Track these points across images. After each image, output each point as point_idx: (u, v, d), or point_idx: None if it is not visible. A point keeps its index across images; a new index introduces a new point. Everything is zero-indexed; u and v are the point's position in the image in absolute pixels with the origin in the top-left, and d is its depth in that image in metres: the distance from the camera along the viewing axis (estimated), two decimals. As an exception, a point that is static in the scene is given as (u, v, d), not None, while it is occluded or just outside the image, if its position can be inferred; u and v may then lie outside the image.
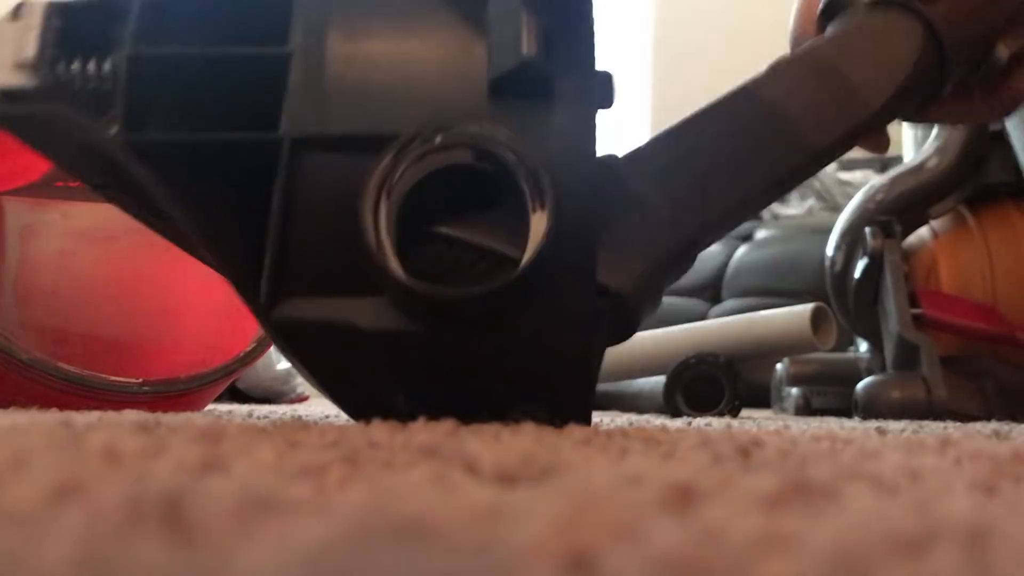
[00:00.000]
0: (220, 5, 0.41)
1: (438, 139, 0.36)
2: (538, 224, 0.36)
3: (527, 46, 0.36)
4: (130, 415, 0.49)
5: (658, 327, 1.23)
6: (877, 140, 0.51)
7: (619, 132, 3.55)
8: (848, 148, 0.47)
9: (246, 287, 0.38)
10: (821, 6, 0.48)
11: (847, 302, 1.11)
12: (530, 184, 0.36)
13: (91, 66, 0.41)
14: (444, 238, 0.37)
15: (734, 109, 0.44)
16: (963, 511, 0.18)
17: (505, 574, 0.12)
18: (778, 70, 0.45)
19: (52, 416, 0.44)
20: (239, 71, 0.39)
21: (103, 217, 0.83)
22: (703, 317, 2.03)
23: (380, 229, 0.36)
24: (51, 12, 0.41)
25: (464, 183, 0.37)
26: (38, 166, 0.75)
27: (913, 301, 1.02)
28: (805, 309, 1.08)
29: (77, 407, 0.59)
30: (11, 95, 0.40)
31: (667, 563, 0.12)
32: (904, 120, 0.52)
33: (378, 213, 0.36)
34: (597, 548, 0.13)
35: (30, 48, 0.41)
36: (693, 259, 0.44)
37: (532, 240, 0.36)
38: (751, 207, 0.45)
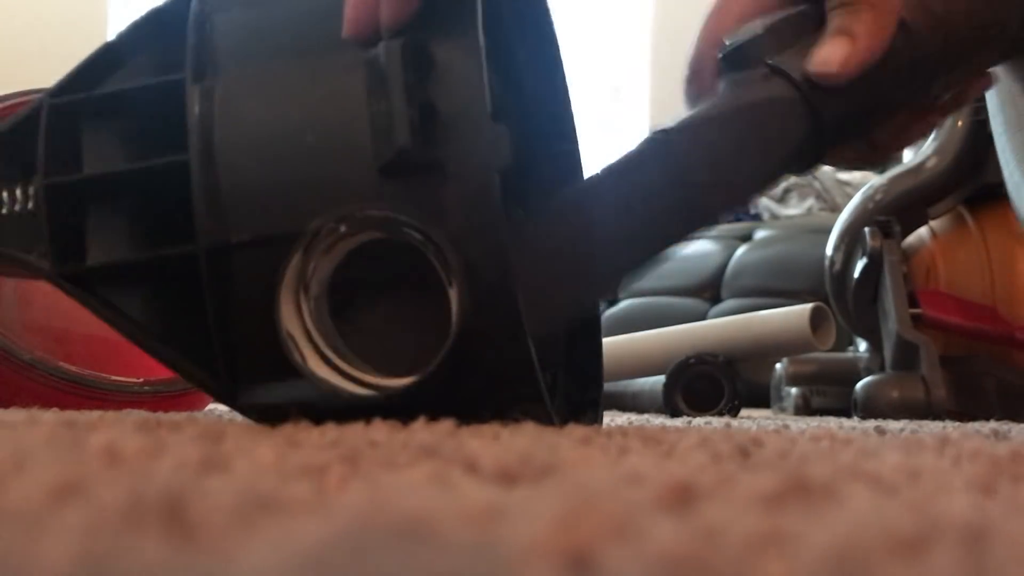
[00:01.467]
0: (129, 120, 0.42)
1: (343, 228, 0.36)
2: (455, 299, 0.36)
3: (401, 135, 0.36)
4: (131, 415, 0.49)
5: (658, 327, 1.23)
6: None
7: (619, 132, 3.55)
8: (721, 213, 0.51)
9: (203, 383, 0.40)
10: (721, 52, 0.47)
11: (846, 302, 1.11)
12: (440, 260, 0.36)
13: (17, 193, 0.43)
14: (373, 319, 0.38)
15: (643, 172, 0.45)
16: (962, 511, 0.18)
17: (505, 574, 0.12)
18: (647, 151, 0.45)
19: (53, 416, 0.44)
20: (149, 185, 0.40)
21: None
22: (703, 317, 2.03)
23: (304, 328, 0.37)
24: None
25: (381, 262, 0.37)
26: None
27: (912, 301, 1.02)
28: (804, 309, 1.08)
29: (78, 407, 0.59)
30: None
31: (666, 562, 0.12)
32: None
33: (301, 312, 0.37)
34: (596, 547, 0.13)
35: None
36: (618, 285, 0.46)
37: (455, 315, 0.36)
38: (656, 250, 0.46)
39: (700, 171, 0.45)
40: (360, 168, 0.37)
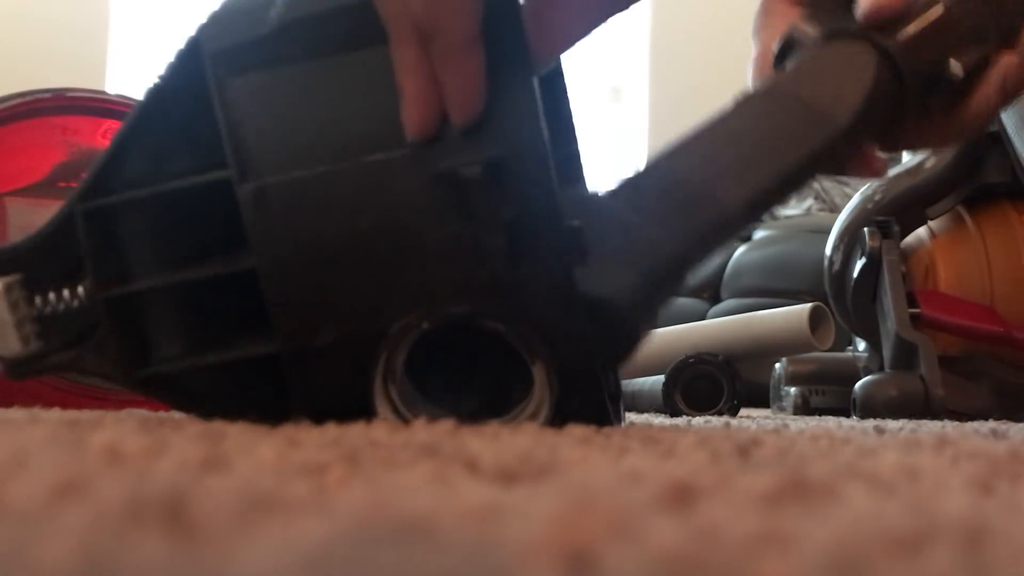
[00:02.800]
0: (170, 219, 0.41)
1: (425, 324, 0.38)
2: (541, 378, 0.38)
3: (495, 262, 0.37)
4: (132, 414, 0.49)
5: (658, 327, 1.23)
6: (868, 163, 0.50)
7: (619, 133, 3.55)
8: (818, 168, 0.49)
9: None
10: (776, 49, 0.49)
11: (845, 302, 1.11)
12: (522, 344, 0.37)
13: (65, 294, 0.43)
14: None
15: (705, 141, 0.46)
16: (960, 510, 0.18)
17: (505, 573, 0.12)
18: (742, 102, 0.47)
19: (54, 415, 0.44)
20: (209, 290, 0.41)
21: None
22: (702, 317, 2.03)
23: (395, 410, 0.39)
24: (10, 286, 0.43)
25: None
26: (41, 166, 0.75)
27: (911, 301, 1.02)
28: (803, 309, 1.08)
29: (78, 407, 0.59)
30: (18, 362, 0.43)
31: (666, 561, 0.12)
32: (875, 145, 0.52)
33: (391, 398, 0.39)
34: (596, 546, 0.13)
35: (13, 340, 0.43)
36: (684, 277, 0.45)
37: (539, 388, 0.38)
38: (732, 227, 0.46)
39: (777, 126, 0.46)
40: (443, 277, 0.38)
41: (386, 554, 0.13)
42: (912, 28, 0.48)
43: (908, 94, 0.48)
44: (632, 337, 0.42)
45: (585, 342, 0.38)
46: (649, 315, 0.44)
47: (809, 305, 1.09)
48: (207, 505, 0.15)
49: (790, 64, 0.49)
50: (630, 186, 0.45)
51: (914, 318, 1.00)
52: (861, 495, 0.20)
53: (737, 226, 0.47)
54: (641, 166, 0.46)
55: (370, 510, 0.16)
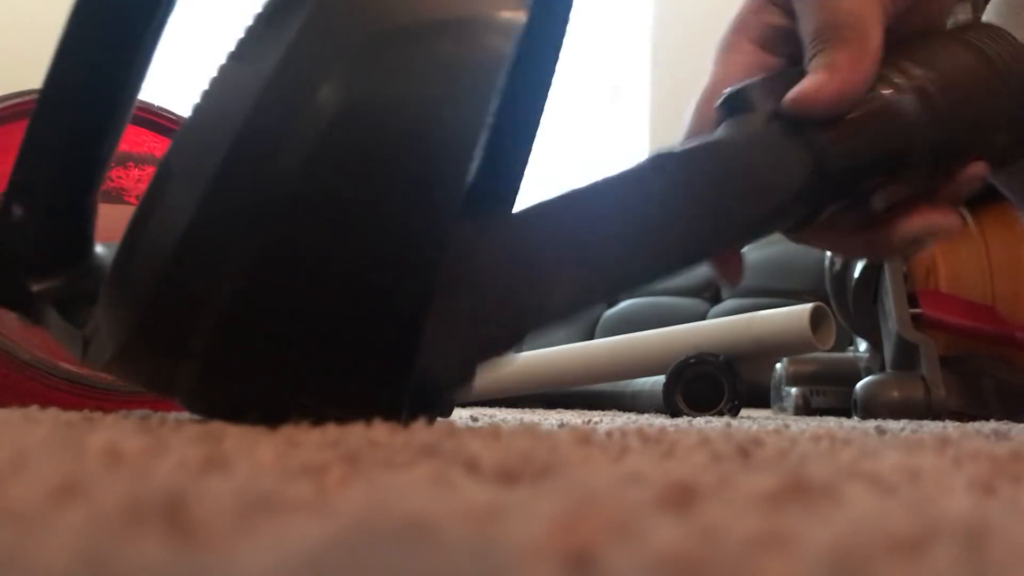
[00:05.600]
0: None
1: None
2: None
3: None
4: (131, 415, 0.49)
5: (658, 327, 1.23)
6: (731, 267, 0.49)
7: (619, 133, 3.55)
8: (718, 253, 0.47)
9: None
10: (720, 99, 0.47)
11: (846, 302, 1.11)
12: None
13: None
14: None
15: (600, 199, 0.43)
16: (962, 510, 0.18)
17: (505, 573, 0.12)
18: (650, 167, 0.44)
19: (53, 416, 0.44)
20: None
21: (103, 217, 0.82)
22: (703, 317, 2.03)
23: None
24: None
25: None
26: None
27: (912, 301, 1.02)
28: (804, 309, 1.08)
29: (78, 407, 0.59)
30: None
31: (666, 562, 0.12)
32: (782, 232, 0.50)
33: None
34: (597, 547, 0.13)
35: None
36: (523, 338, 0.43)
37: None
38: (600, 298, 0.44)
39: (690, 199, 0.43)
40: None
41: (386, 554, 0.13)
42: (852, 138, 0.45)
43: (826, 205, 0.46)
44: (444, 402, 0.40)
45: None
46: (469, 378, 0.41)
47: (810, 305, 1.09)
48: (207, 505, 0.15)
49: (726, 129, 0.46)
50: (524, 222, 0.42)
51: (915, 318, 1.00)
52: (862, 496, 0.20)
53: (603, 296, 0.45)
54: (552, 196, 0.42)
55: (370, 510, 0.16)
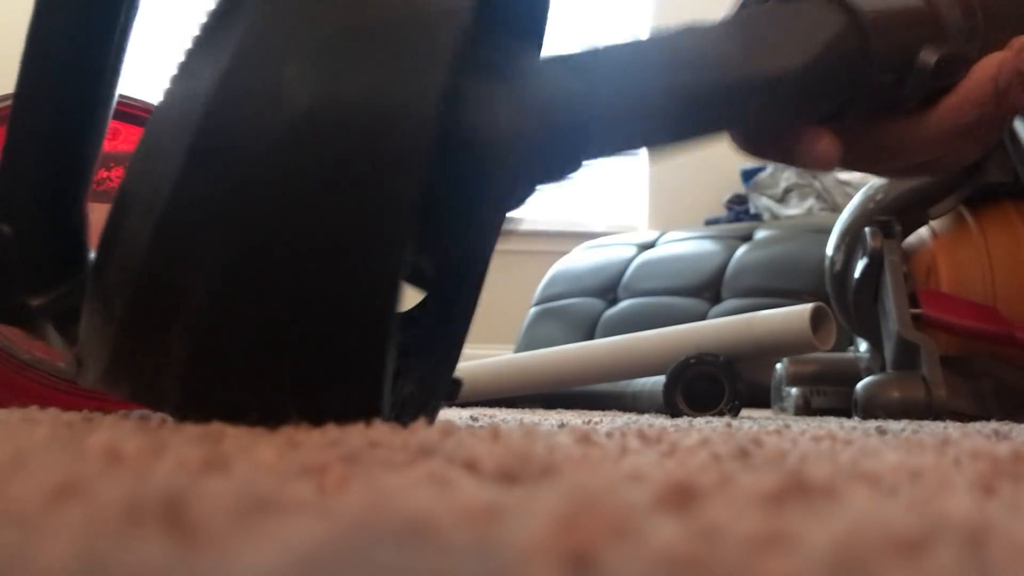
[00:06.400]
0: None
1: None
2: None
3: None
4: (131, 415, 0.49)
5: (658, 327, 1.23)
6: (817, 147, 0.45)
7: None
8: (764, 107, 0.45)
9: None
10: None
11: (847, 302, 1.11)
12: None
13: None
14: None
15: (650, 45, 0.43)
16: (962, 511, 0.18)
17: (505, 574, 0.12)
18: (693, 28, 0.44)
19: (53, 416, 0.44)
20: None
21: (102, 217, 0.82)
22: (703, 317, 2.03)
23: None
24: None
25: None
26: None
27: (913, 301, 1.02)
28: (805, 309, 1.08)
29: (78, 407, 0.59)
30: None
31: (666, 562, 0.12)
32: (828, 129, 0.47)
33: None
34: (597, 547, 0.13)
35: None
36: (579, 156, 0.42)
37: None
38: (647, 123, 0.43)
39: (719, 50, 0.43)
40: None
41: (386, 554, 0.13)
42: (885, 5, 0.45)
43: (871, 71, 0.44)
44: (513, 180, 0.39)
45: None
46: (543, 166, 0.40)
47: (810, 305, 1.09)
48: (206, 506, 0.15)
49: (754, 4, 0.46)
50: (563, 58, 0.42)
51: (916, 318, 1.00)
52: (863, 496, 0.20)
53: (659, 119, 0.43)
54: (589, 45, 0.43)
55: (370, 510, 0.16)
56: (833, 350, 1.14)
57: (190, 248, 0.34)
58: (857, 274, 1.07)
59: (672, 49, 0.43)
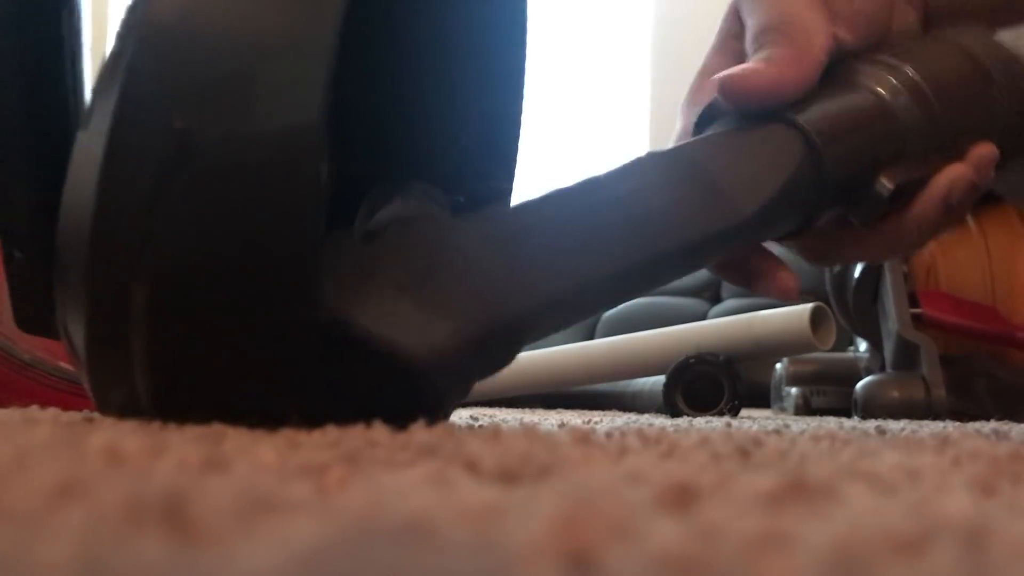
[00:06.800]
0: None
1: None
2: None
3: None
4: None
5: (658, 327, 1.23)
6: (776, 279, 0.46)
7: (619, 134, 3.55)
8: (719, 254, 0.45)
9: None
10: (695, 119, 0.45)
11: (846, 302, 1.11)
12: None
13: None
14: None
15: (588, 196, 0.41)
16: (962, 510, 0.18)
17: (505, 573, 0.12)
18: (643, 162, 0.42)
19: (53, 416, 0.44)
20: None
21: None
22: (703, 317, 2.03)
23: None
24: None
25: None
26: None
27: (913, 301, 1.02)
28: (804, 309, 1.08)
29: (78, 407, 0.59)
30: None
31: (666, 562, 0.12)
32: (785, 243, 0.49)
33: None
34: (597, 547, 0.13)
35: None
36: (519, 343, 0.38)
37: None
38: (595, 298, 0.41)
39: (681, 189, 0.41)
40: None
41: (386, 554, 0.13)
42: (837, 118, 0.44)
43: (826, 193, 0.43)
44: (435, 402, 0.36)
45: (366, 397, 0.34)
46: (460, 383, 0.38)
47: (810, 305, 1.09)
48: (207, 506, 0.15)
49: (708, 131, 0.45)
50: (517, 215, 0.40)
51: (916, 318, 1.00)
52: (862, 495, 0.20)
53: (593, 303, 0.41)
54: (523, 202, 0.41)
55: (370, 510, 0.16)
56: (833, 350, 1.14)
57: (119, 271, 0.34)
58: (857, 274, 1.07)
59: (625, 212, 0.40)
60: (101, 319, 0.34)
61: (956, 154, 0.46)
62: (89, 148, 0.34)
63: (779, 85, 0.43)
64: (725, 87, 0.43)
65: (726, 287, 2.31)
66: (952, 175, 0.45)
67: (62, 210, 0.36)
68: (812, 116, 0.44)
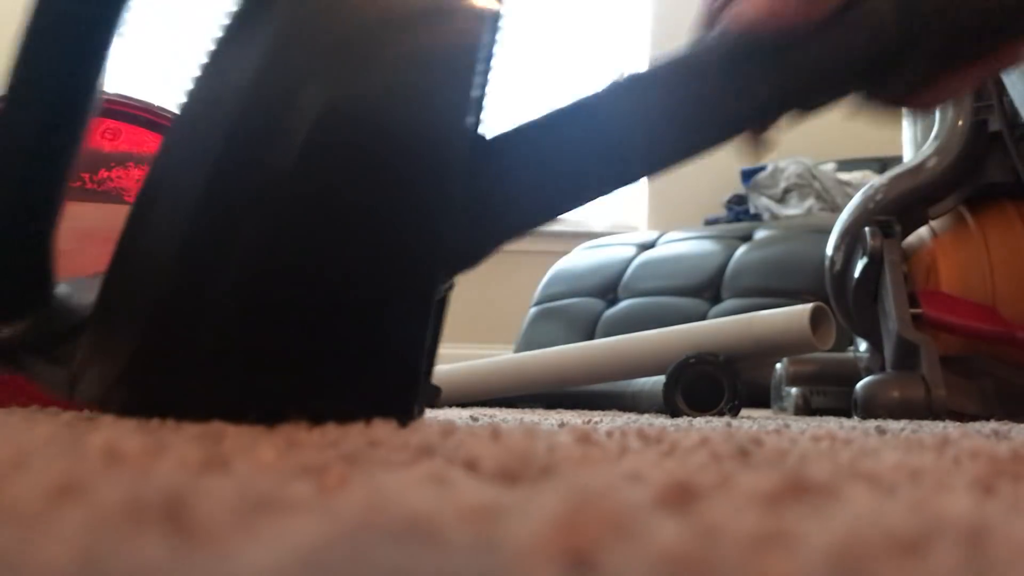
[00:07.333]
0: None
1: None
2: None
3: None
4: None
5: (658, 327, 1.23)
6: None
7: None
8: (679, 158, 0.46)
9: None
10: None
11: (846, 302, 1.11)
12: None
13: None
14: None
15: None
16: (962, 510, 0.18)
17: (505, 573, 0.12)
18: (629, 78, 0.45)
19: (53, 416, 0.44)
20: None
21: (103, 217, 0.82)
22: (703, 317, 2.03)
23: None
24: None
25: None
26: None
27: (913, 301, 1.02)
28: (804, 309, 1.08)
29: (78, 407, 0.59)
30: None
31: (666, 561, 0.12)
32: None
33: None
34: (596, 546, 0.13)
35: None
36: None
37: None
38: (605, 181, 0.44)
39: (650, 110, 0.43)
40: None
41: (386, 554, 0.13)
42: None
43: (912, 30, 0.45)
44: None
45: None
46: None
47: (810, 305, 1.09)
48: (206, 505, 0.15)
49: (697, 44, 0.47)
50: (522, 134, 0.42)
51: (915, 318, 1.00)
52: (862, 495, 0.20)
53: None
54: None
55: (369, 510, 0.16)
56: (833, 350, 1.14)
57: (219, 254, 0.34)
58: (857, 274, 1.07)
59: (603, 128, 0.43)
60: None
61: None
62: (222, 89, 0.34)
63: (777, 16, 0.44)
64: (734, 24, 0.45)
65: (726, 287, 2.31)
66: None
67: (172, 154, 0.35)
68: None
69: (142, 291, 0.35)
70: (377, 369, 0.35)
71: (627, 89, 0.44)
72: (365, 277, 0.34)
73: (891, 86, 0.47)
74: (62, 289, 0.47)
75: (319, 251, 0.34)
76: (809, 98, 0.46)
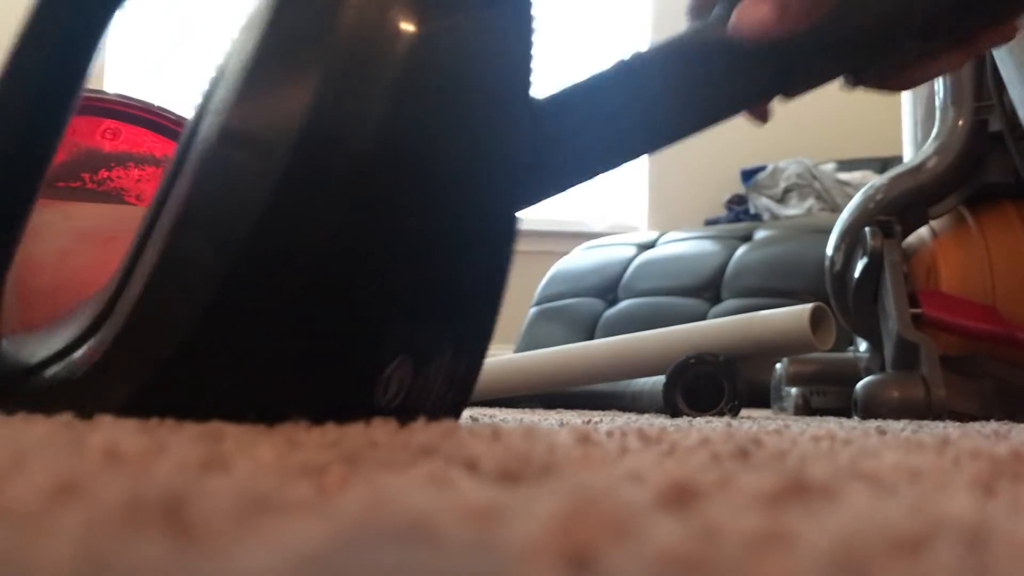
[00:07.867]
0: None
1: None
2: None
3: None
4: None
5: (658, 327, 1.23)
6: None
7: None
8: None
9: None
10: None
11: (846, 302, 1.11)
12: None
13: None
14: None
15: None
16: (962, 510, 0.18)
17: (505, 573, 0.12)
18: (639, 55, 0.47)
19: (52, 415, 0.44)
20: None
21: (103, 217, 0.82)
22: (703, 317, 2.03)
23: None
24: None
25: None
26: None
27: (913, 301, 1.02)
28: (804, 309, 1.08)
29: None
30: None
31: (666, 561, 0.12)
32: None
33: None
34: (596, 547, 0.13)
35: None
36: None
37: None
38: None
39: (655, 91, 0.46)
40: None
41: (386, 554, 0.13)
42: None
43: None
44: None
45: None
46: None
47: (810, 305, 1.09)
48: (206, 506, 0.15)
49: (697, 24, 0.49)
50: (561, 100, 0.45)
51: (916, 318, 1.00)
52: (862, 495, 0.20)
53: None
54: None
55: (370, 511, 0.16)
56: (833, 350, 1.14)
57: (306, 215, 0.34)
58: (857, 274, 1.07)
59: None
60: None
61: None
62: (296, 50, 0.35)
63: (780, 21, 0.45)
64: (735, 32, 0.46)
65: (726, 287, 2.31)
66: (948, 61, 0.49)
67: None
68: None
69: (197, 281, 0.35)
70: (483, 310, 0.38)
71: (650, 62, 0.46)
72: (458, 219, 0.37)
73: (875, 69, 0.49)
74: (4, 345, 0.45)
75: (406, 207, 0.35)
76: (797, 84, 0.48)
